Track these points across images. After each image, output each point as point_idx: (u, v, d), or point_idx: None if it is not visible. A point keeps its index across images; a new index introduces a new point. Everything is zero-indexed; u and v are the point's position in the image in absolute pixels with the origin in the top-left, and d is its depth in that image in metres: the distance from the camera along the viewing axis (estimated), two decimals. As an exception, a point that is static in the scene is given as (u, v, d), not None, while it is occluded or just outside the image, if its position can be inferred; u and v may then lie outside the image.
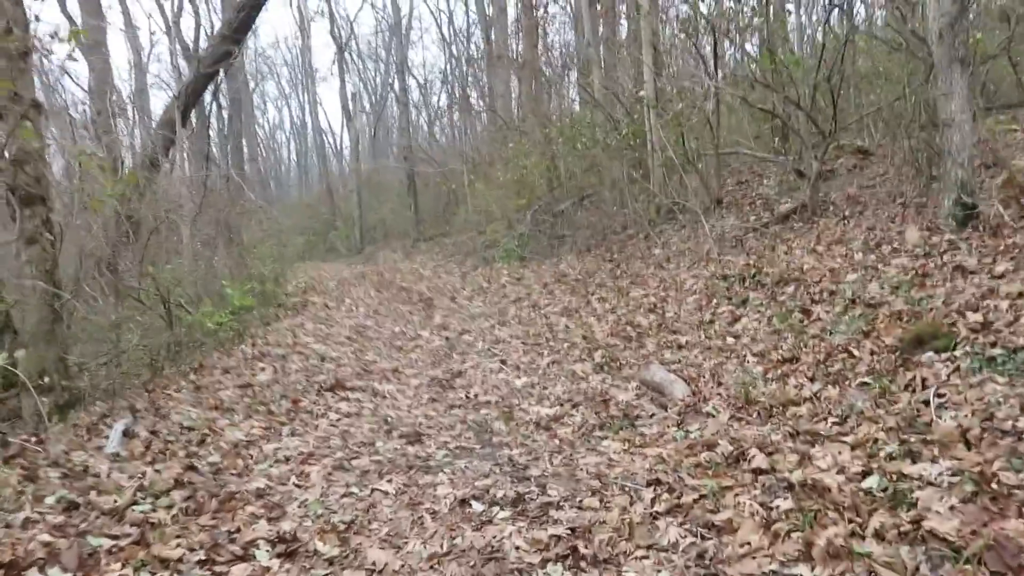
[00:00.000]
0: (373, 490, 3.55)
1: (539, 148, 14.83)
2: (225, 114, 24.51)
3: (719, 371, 4.78)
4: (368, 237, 25.79)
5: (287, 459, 3.96)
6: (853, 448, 3.33)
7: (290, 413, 4.81)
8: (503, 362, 6.21)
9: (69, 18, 20.47)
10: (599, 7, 13.75)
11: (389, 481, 3.63)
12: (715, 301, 6.37)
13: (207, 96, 20.53)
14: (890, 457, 3.13)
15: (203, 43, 19.66)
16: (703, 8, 9.23)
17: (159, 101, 31.96)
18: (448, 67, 26.76)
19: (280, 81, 46.18)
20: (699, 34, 10.01)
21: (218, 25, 17.82)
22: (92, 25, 17.33)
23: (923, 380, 3.68)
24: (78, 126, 19.24)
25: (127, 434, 4.28)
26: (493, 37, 22.69)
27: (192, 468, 3.74)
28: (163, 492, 3.44)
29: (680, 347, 5.60)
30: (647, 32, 11.16)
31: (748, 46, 9.16)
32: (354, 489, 3.55)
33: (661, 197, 11.33)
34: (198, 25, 22.78)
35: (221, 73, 19.15)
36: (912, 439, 3.21)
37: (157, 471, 3.70)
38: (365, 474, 3.76)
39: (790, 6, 13.18)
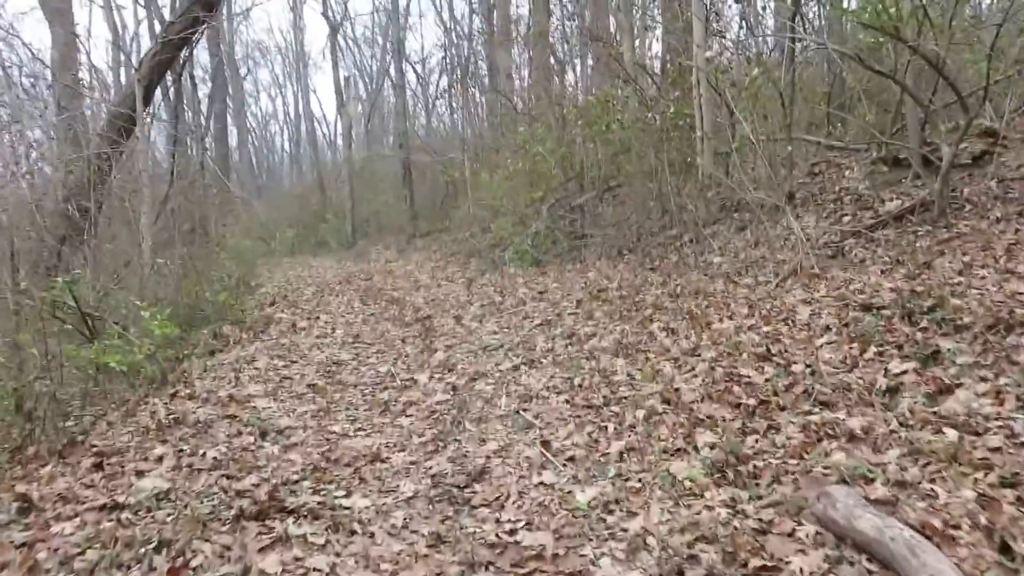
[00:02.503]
0: None
1: (554, 133, 12.43)
2: (203, 95, 21.97)
3: (997, 521, 2.41)
4: (360, 231, 23.36)
5: None
6: None
7: (161, 596, 2.41)
8: (545, 444, 3.82)
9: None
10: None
11: None
12: (873, 349, 3.98)
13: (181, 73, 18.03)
14: None
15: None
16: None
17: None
18: (447, 51, 24.27)
19: (273, 68, 43.70)
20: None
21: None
22: (54, -10, 14.84)
23: None
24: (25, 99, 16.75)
25: None
26: (495, 18, 20.27)
27: None
28: None
29: (853, 438, 3.22)
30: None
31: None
32: None
33: (715, 191, 8.95)
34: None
35: (199, 46, 16.62)
36: None
37: None
38: None
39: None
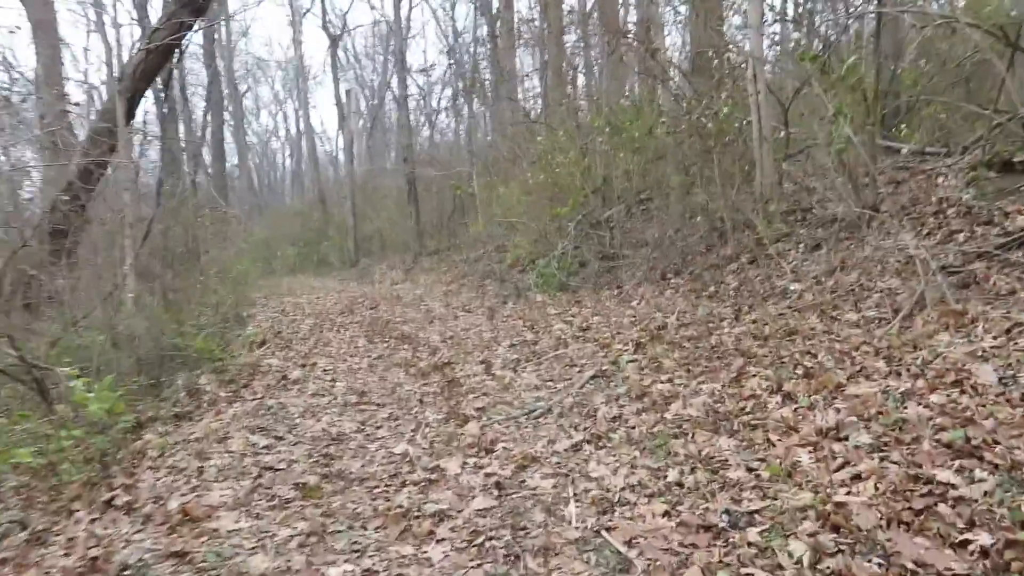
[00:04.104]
0: None
1: (577, 142, 10.99)
2: (200, 111, 20.57)
3: None
4: (363, 248, 21.91)
5: None
6: None
7: None
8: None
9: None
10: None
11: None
12: None
13: (171, 86, 16.72)
14: None
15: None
16: None
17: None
18: (451, 58, 22.86)
19: (274, 84, 42.51)
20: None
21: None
22: (36, 1, 13.53)
23: None
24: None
25: None
26: (499, 25, 18.88)
27: None
28: None
29: None
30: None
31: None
32: None
33: (777, 203, 7.52)
34: (166, 2, 18.98)
35: (196, 61, 15.31)
36: None
37: None
38: None
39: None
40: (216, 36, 23.63)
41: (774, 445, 3.41)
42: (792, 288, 6.28)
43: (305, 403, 5.06)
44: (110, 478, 3.76)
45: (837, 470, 3.08)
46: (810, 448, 3.30)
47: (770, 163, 7.51)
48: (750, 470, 3.25)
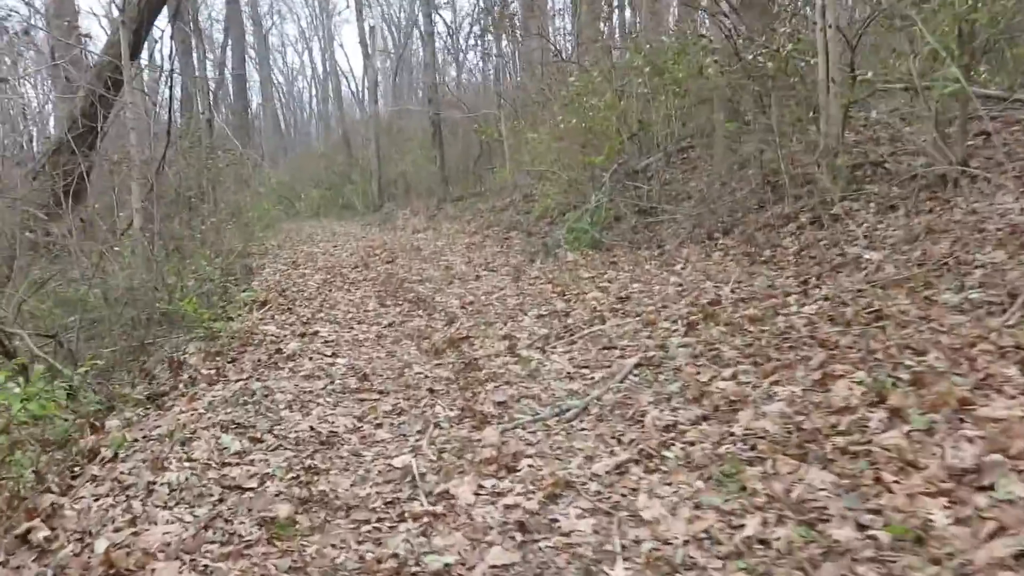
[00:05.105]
0: None
1: (613, 83, 9.88)
2: (215, 44, 19.47)
3: None
4: (387, 192, 20.98)
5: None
6: None
7: None
8: None
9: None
10: None
11: None
12: None
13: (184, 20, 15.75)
14: None
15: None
16: None
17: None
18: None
19: (299, 21, 41.17)
20: None
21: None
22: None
23: None
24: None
25: None
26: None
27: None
28: None
29: None
30: None
31: None
32: None
33: (845, 155, 6.47)
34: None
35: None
36: None
37: None
38: None
39: None
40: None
41: (890, 490, 2.51)
42: (867, 257, 5.29)
43: (296, 388, 4.22)
44: (40, 492, 2.98)
45: (991, 538, 2.19)
46: (944, 499, 2.40)
47: (837, 109, 6.43)
48: (861, 527, 2.37)
